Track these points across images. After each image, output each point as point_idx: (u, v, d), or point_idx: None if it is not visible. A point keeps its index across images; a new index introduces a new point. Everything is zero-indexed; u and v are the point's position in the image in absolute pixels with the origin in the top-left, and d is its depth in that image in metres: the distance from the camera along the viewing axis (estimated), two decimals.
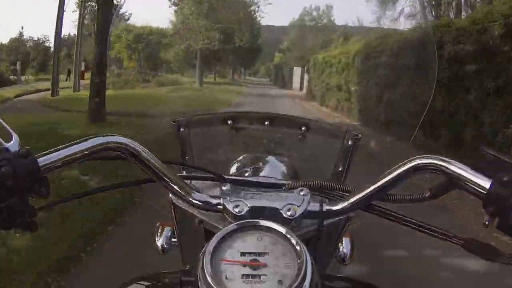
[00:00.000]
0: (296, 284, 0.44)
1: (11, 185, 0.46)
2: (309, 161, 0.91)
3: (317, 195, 0.61)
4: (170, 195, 0.65)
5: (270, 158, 0.86)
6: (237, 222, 0.51)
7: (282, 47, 11.39)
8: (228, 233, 0.49)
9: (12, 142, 0.49)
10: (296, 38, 11.26)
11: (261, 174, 0.78)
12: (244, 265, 0.46)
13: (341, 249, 0.89)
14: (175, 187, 0.58)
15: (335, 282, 0.65)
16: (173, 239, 0.90)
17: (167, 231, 0.91)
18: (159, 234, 0.91)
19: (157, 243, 0.91)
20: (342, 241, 0.89)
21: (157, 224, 0.93)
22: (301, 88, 8.78)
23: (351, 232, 0.89)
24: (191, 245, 0.72)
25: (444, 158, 0.53)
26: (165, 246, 0.90)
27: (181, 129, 0.78)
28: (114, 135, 0.55)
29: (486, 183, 0.50)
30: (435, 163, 0.53)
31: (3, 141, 0.48)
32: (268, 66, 14.39)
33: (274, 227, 0.50)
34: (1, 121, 0.49)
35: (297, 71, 8.64)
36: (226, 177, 0.63)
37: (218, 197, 0.58)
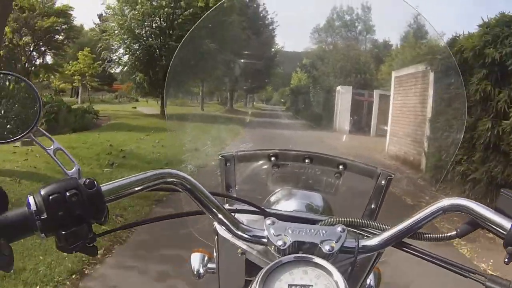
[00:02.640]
0: None
1: (80, 214, 0.50)
2: (343, 199, 0.92)
3: (352, 231, 0.67)
4: (215, 224, 0.70)
5: (307, 193, 0.87)
6: (293, 255, 0.56)
7: (304, 61, 7.33)
8: (278, 265, 0.54)
9: (73, 170, 0.54)
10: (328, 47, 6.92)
11: (298, 208, 0.81)
12: None
13: (368, 282, 0.93)
14: (223, 219, 0.64)
15: None
16: (208, 266, 0.94)
17: (202, 258, 0.96)
18: (194, 260, 0.96)
19: (193, 269, 0.96)
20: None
21: (193, 250, 0.98)
22: (361, 128, 4.29)
23: (378, 265, 0.89)
24: (230, 273, 0.77)
25: (469, 200, 0.59)
26: (201, 272, 0.95)
27: (228, 164, 0.82)
28: (172, 169, 0.61)
29: (507, 224, 0.55)
30: (461, 205, 0.59)
31: (66, 170, 0.54)
32: (283, 91, 10.43)
33: (319, 262, 0.55)
34: (64, 150, 0.56)
35: (345, 93, 4.44)
36: (268, 211, 0.71)
37: (262, 230, 0.64)
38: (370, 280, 0.94)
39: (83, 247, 0.52)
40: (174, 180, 0.60)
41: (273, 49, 10.55)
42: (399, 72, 3.79)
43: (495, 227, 0.55)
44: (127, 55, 16.93)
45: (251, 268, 0.56)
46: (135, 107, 20.06)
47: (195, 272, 0.95)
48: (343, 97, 4.30)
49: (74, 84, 22.60)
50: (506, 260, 0.53)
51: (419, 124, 3.91)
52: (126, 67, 17.45)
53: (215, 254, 0.79)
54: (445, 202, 0.59)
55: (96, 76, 20.22)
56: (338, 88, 4.75)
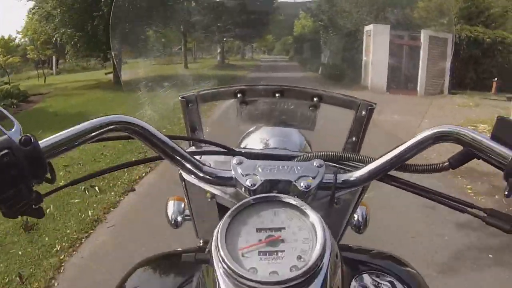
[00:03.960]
0: (315, 259, 0.43)
1: (15, 174, 0.46)
2: (321, 133, 0.87)
3: (331, 166, 0.63)
4: (180, 170, 0.65)
5: (282, 130, 0.85)
6: (253, 197, 0.51)
7: (309, 6, 6.01)
8: (242, 208, 0.49)
9: (14, 129, 0.50)
10: None
11: (273, 146, 0.79)
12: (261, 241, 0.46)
13: (356, 218, 0.91)
14: (184, 163, 0.59)
15: (353, 254, 0.66)
16: (186, 213, 0.93)
17: (178, 205, 0.93)
18: (170, 208, 0.93)
19: (169, 218, 0.93)
20: (357, 210, 0.88)
21: (168, 198, 0.94)
22: (405, 85, 2.99)
23: (366, 200, 0.87)
24: (204, 219, 0.75)
25: (464, 128, 0.54)
26: (178, 221, 0.93)
27: (190, 105, 0.77)
28: (119, 115, 0.55)
29: (507, 153, 0.50)
30: (453, 132, 0.55)
31: (4, 129, 0.49)
32: (286, 40, 9.21)
33: (291, 202, 0.50)
34: (2, 109, 0.51)
35: (378, 35, 3.27)
36: (236, 149, 0.66)
37: (229, 171, 0.58)
38: (358, 215, 0.92)
39: (27, 209, 0.50)
40: (124, 126, 0.55)
41: None
42: None
43: (493, 156, 0.51)
44: (58, 9, 13.34)
45: (226, 211, 0.49)
46: (109, 72, 17.48)
47: (172, 222, 0.92)
48: (377, 40, 3.09)
49: (28, 56, 19.86)
50: (506, 193, 0.49)
51: None
52: (53, 23, 13.77)
53: (186, 200, 0.75)
54: (435, 129, 0.55)
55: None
56: (368, 28, 3.51)
